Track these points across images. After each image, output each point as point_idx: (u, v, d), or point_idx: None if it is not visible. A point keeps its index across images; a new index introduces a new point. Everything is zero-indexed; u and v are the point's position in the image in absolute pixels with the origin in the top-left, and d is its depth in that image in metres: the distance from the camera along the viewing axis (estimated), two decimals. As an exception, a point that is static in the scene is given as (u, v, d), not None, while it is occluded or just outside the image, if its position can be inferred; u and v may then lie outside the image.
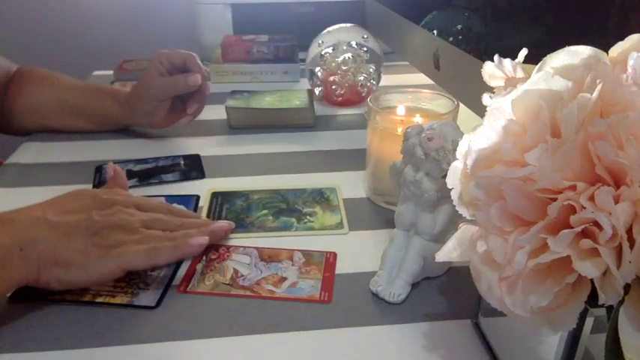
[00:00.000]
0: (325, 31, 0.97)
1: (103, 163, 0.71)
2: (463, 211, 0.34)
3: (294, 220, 0.59)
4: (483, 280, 0.32)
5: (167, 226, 0.51)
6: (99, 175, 0.69)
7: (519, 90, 0.31)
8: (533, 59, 0.34)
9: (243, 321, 0.45)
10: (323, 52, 0.92)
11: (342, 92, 0.92)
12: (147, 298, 0.47)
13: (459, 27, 0.77)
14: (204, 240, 0.51)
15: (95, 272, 0.45)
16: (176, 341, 0.43)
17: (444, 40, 0.76)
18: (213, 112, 0.87)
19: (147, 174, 0.70)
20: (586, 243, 0.27)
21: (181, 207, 0.59)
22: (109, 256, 0.46)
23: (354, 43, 0.92)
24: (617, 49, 0.31)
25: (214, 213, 0.61)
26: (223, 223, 0.55)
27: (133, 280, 0.49)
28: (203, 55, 1.02)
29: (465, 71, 0.68)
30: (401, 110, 0.63)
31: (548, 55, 0.32)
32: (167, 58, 0.76)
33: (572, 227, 0.28)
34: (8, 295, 0.46)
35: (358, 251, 0.54)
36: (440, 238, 0.47)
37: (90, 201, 0.49)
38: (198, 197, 0.64)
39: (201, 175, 0.70)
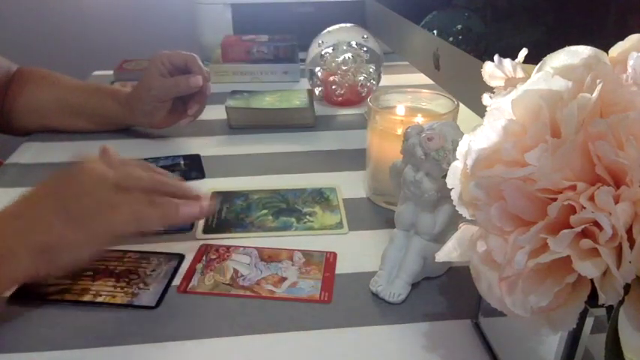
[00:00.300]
0: (325, 31, 0.97)
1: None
2: (463, 211, 0.34)
3: (294, 220, 0.59)
4: (483, 280, 0.32)
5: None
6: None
7: (519, 90, 0.31)
8: (533, 59, 0.34)
9: (243, 321, 0.45)
10: (323, 52, 0.92)
11: (342, 92, 0.92)
12: (147, 298, 0.47)
13: (459, 27, 0.77)
14: (194, 209, 0.50)
15: (87, 249, 0.45)
16: (176, 341, 0.43)
17: (444, 40, 0.76)
18: (213, 112, 0.87)
19: (147, 174, 0.70)
20: (586, 243, 0.27)
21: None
22: (96, 234, 0.46)
23: (354, 43, 0.92)
24: (617, 49, 0.31)
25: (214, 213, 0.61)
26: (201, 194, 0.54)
27: (132, 280, 0.49)
28: (203, 55, 1.02)
29: (465, 71, 0.68)
30: (401, 110, 0.63)
31: (548, 55, 0.32)
32: (168, 59, 0.76)
33: (572, 227, 0.28)
34: (8, 294, 0.46)
35: (358, 251, 0.54)
36: (440, 238, 0.47)
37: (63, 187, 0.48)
38: (198, 197, 0.64)
39: (201, 175, 0.70)
